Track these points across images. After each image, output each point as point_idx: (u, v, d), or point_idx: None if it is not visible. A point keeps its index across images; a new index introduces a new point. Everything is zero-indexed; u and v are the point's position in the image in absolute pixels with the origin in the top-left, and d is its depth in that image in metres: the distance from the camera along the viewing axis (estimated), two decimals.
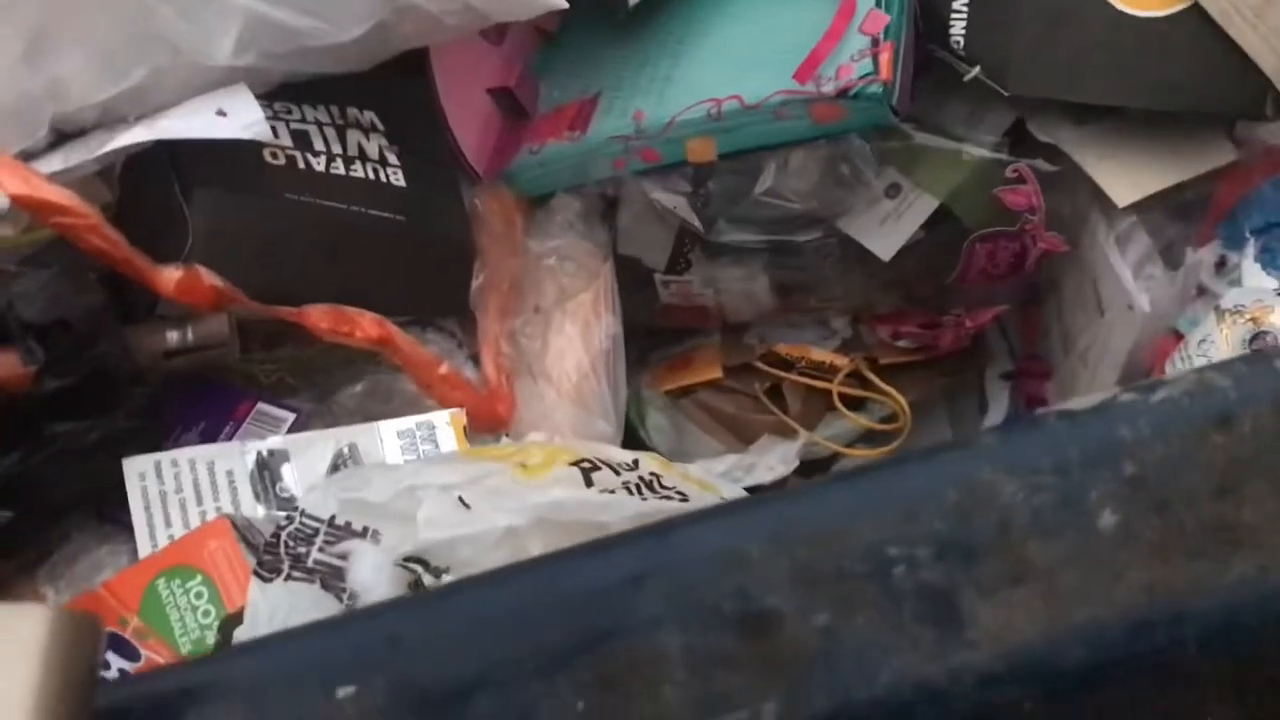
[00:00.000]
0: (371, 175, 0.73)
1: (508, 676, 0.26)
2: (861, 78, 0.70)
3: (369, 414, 0.72)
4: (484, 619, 0.26)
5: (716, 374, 0.89)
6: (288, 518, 0.54)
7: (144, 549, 0.62)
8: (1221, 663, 0.25)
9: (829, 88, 0.70)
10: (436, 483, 0.54)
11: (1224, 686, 0.26)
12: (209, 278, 0.64)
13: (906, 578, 0.25)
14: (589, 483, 0.57)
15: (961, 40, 0.74)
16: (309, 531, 0.53)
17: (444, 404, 0.71)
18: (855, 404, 0.86)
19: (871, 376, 0.86)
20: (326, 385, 0.74)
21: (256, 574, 0.53)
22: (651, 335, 0.90)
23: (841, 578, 0.25)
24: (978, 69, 0.73)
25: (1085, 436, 0.26)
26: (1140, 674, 0.25)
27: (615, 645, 0.26)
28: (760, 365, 0.88)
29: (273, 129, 0.69)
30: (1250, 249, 0.72)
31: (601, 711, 0.25)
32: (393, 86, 0.76)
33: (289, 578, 0.53)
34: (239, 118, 0.64)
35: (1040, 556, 0.25)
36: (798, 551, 0.26)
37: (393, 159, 0.75)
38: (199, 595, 0.57)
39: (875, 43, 0.70)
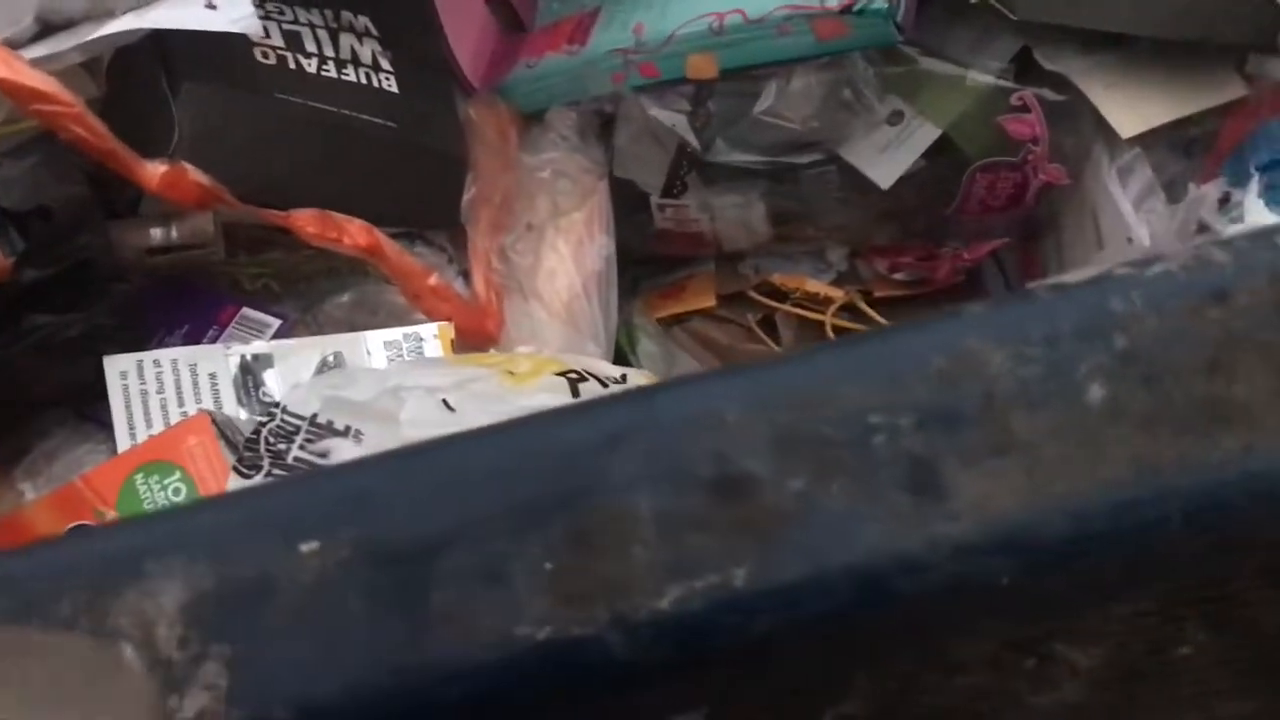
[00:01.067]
0: (364, 80, 0.72)
1: (475, 534, 0.25)
2: None
3: (355, 325, 0.71)
4: (451, 477, 0.26)
5: (710, 303, 0.88)
6: (269, 414, 0.53)
7: (124, 448, 0.62)
8: (1205, 538, 0.25)
9: (833, 2, 0.69)
10: (422, 384, 0.53)
11: (1208, 562, 0.26)
12: (194, 174, 0.62)
13: (887, 446, 0.25)
14: (575, 393, 0.56)
15: None
16: (290, 429, 0.53)
17: (432, 316, 0.70)
18: None
19: (866, 309, 0.86)
20: (312, 294, 0.73)
21: (236, 470, 0.53)
22: (645, 263, 0.89)
23: (820, 444, 0.25)
24: None
25: (1077, 308, 0.25)
26: (1123, 549, 0.24)
27: (586, 506, 0.25)
28: (754, 295, 0.87)
29: (264, 28, 0.68)
30: (1255, 185, 0.71)
31: (569, 571, 0.25)
32: None
33: (268, 475, 0.52)
34: (228, 11, 0.63)
35: (1025, 428, 0.24)
36: (776, 416, 0.25)
37: (386, 65, 0.73)
38: (176, 491, 0.56)
39: None
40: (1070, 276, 0.25)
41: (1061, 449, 0.24)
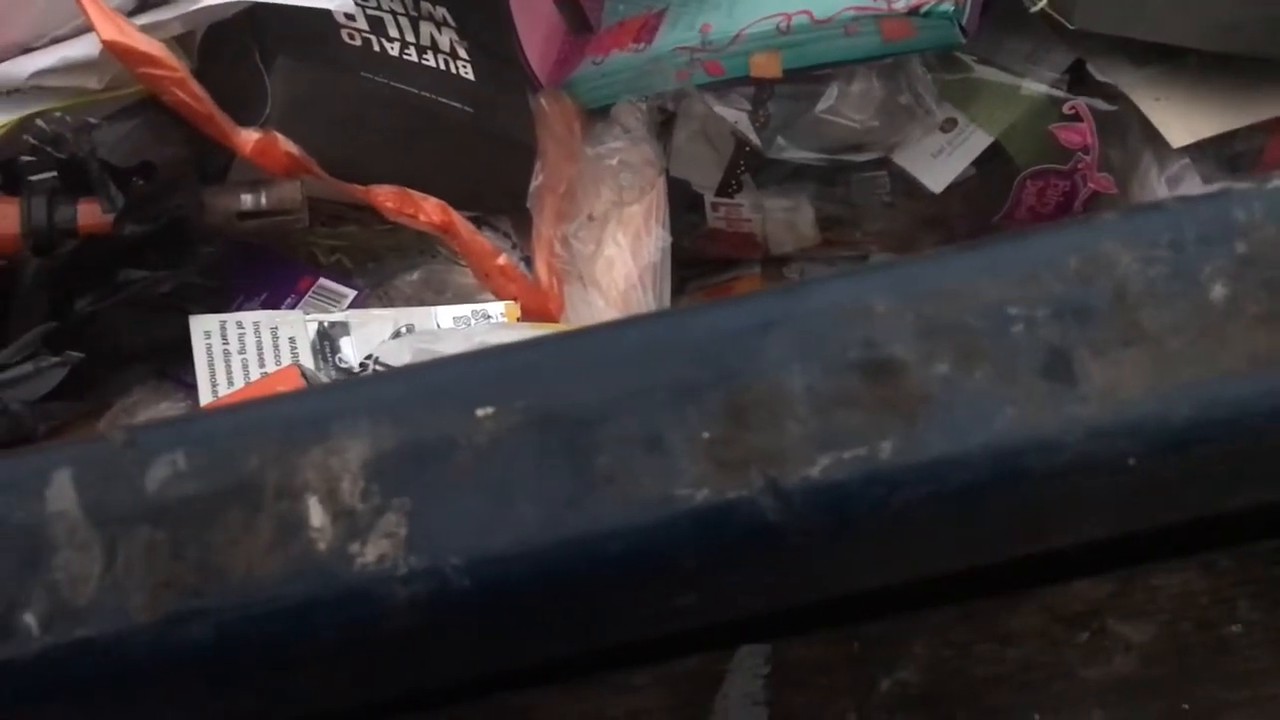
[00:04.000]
0: (443, 66, 0.75)
1: (637, 405, 0.27)
2: None
3: (424, 302, 0.74)
4: (618, 355, 0.28)
5: None
6: (361, 365, 0.55)
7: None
8: None
9: (900, 4, 0.71)
10: (507, 341, 0.56)
11: None
12: (285, 144, 0.65)
13: (1024, 335, 0.27)
14: None
15: None
16: None
17: (499, 295, 0.73)
18: None
19: None
20: (382, 272, 0.76)
21: None
22: (693, 265, 0.91)
23: (963, 332, 0.27)
24: (1045, 1, 0.74)
25: (1201, 217, 0.27)
26: (1241, 435, 0.26)
27: (741, 383, 0.27)
28: None
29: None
30: None
31: (725, 440, 0.27)
32: None
33: None
34: None
35: (1152, 322, 0.27)
36: (922, 307, 0.27)
37: (463, 53, 0.76)
38: None
39: None
40: (1194, 190, 0.27)
41: (1185, 342, 0.26)
